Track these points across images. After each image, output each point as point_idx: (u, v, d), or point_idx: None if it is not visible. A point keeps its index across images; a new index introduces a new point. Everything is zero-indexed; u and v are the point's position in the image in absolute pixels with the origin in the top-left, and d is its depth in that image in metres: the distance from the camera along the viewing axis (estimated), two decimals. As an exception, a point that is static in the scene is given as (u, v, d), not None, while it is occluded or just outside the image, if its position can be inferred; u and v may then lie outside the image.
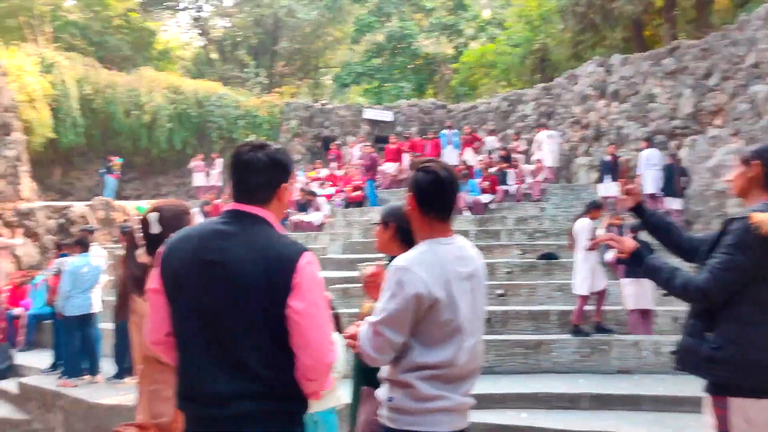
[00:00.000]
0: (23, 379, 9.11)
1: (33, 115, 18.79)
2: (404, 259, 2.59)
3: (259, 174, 2.33)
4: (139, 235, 2.96)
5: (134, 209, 18.49)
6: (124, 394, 7.99)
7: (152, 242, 2.94)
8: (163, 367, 2.75)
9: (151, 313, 2.36)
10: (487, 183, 15.42)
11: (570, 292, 10.30)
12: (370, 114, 23.84)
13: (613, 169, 14.54)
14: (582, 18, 20.62)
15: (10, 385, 9.46)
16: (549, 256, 11.55)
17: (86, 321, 8.80)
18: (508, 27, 31.93)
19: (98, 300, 8.94)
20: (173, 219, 2.99)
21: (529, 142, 18.73)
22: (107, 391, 8.20)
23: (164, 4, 34.28)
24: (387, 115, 24.02)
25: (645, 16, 21.12)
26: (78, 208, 16.88)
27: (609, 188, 14.32)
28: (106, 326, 9.40)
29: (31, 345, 11.55)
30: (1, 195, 15.47)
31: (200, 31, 35.88)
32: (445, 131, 18.67)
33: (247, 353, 2.16)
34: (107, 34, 28.33)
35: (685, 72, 15.22)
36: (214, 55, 35.48)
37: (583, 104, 17.46)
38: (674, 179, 13.48)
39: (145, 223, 2.96)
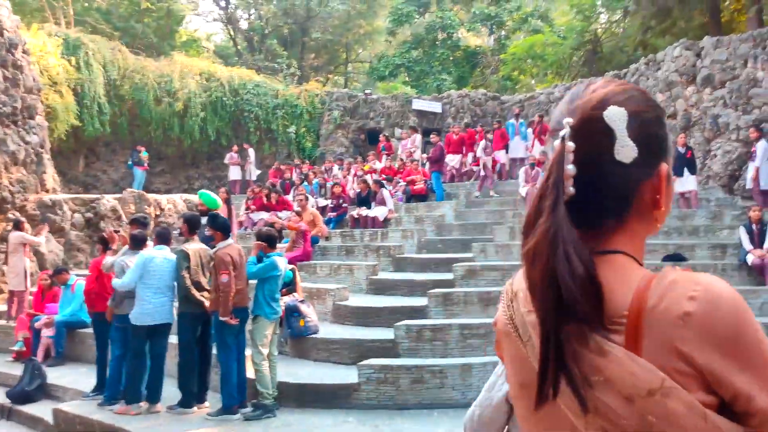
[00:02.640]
0: (62, 406, 7.29)
1: (56, 99, 17.05)
2: None
3: None
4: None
5: (165, 200, 16.76)
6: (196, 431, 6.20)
7: (610, 188, 1.10)
8: None
9: None
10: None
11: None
12: (418, 105, 22.04)
13: (689, 161, 12.72)
14: (655, 1, 18.76)
15: (42, 410, 7.65)
16: (675, 257, 9.72)
17: (157, 333, 7.01)
18: (554, 18, 30.32)
19: (172, 308, 7.16)
20: (653, 126, 1.10)
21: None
22: (173, 425, 6.39)
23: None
24: (436, 107, 22.23)
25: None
26: (108, 201, 15.14)
27: (687, 182, 12.55)
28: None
29: (61, 359, 9.76)
30: (22, 185, 13.75)
31: (226, 21, 34.08)
32: (512, 120, 16.83)
33: None
34: (132, 19, 26.61)
35: (798, 53, 13.37)
36: (242, 46, 33.74)
37: (668, 91, 15.58)
38: None
39: (598, 132, 1.06)
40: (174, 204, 17.20)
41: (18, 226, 11.26)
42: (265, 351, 6.82)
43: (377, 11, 36.10)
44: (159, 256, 7.11)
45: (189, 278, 6.97)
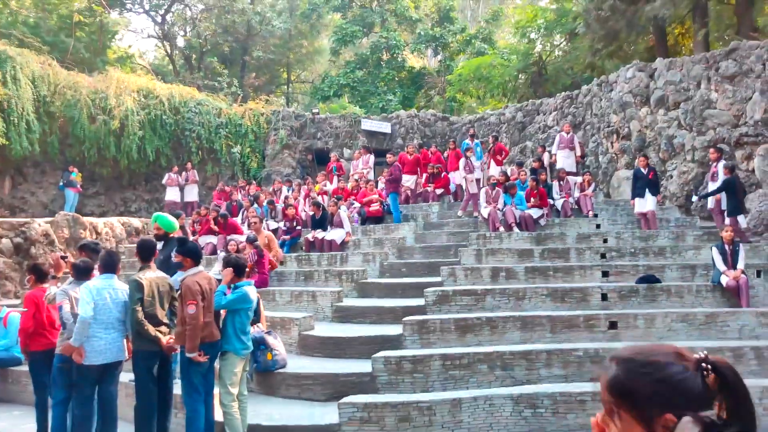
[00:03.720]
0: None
1: (-20, 116, 15.80)
2: None
3: None
4: None
5: (102, 224, 15.68)
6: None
7: None
8: None
9: None
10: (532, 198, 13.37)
11: (698, 325, 8.30)
12: (367, 125, 21.61)
13: (651, 182, 12.69)
14: (604, 24, 18.96)
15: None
16: (649, 279, 9.51)
17: (108, 373, 6.17)
18: (497, 41, 30.64)
19: (123, 344, 6.33)
20: None
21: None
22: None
23: (126, 6, 31.21)
24: (385, 127, 21.85)
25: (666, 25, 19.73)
26: (39, 225, 14.00)
27: (647, 203, 12.52)
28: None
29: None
30: (-57, 208, 12.56)
31: (162, 37, 32.85)
32: (467, 141, 16.54)
33: None
34: (62, 33, 25.19)
35: (750, 75, 13.58)
36: (179, 63, 32.60)
37: (622, 112, 15.65)
38: (738, 195, 11.70)
39: None
40: (111, 228, 16.19)
41: None
42: (235, 391, 6.13)
43: (320, 31, 35.71)
44: (105, 286, 6.28)
45: (142, 311, 6.18)
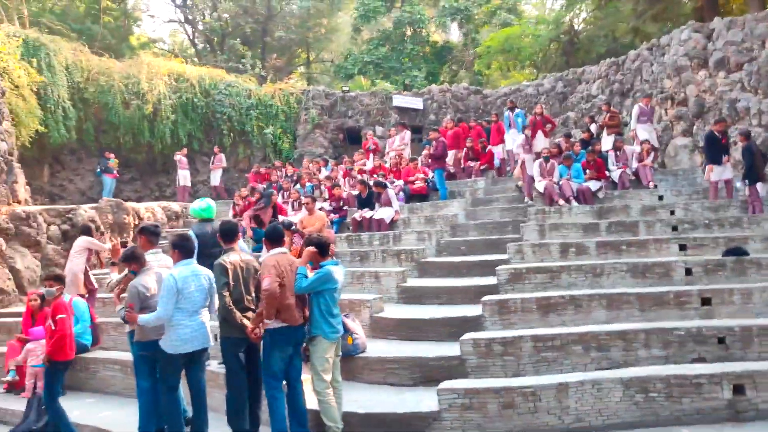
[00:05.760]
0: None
1: (19, 104, 15.53)
2: None
3: None
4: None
5: (143, 209, 15.46)
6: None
7: None
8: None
9: None
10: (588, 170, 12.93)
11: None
12: (399, 101, 21.18)
13: (725, 147, 12.12)
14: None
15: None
16: (737, 252, 9.03)
17: (195, 361, 5.92)
18: (522, 11, 29.99)
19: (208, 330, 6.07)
20: None
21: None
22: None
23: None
24: (417, 103, 21.42)
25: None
26: (85, 211, 13.82)
27: (726, 171, 11.98)
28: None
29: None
30: (-8, 197, 12.39)
31: (184, 21, 32.49)
32: (507, 112, 15.98)
33: None
34: (88, 20, 24.91)
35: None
36: (201, 47, 32.23)
37: (677, 76, 15.04)
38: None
39: None
40: (153, 212, 16.04)
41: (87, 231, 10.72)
42: (328, 377, 5.83)
43: (339, 8, 35.15)
44: (188, 273, 5.96)
45: (229, 297, 5.89)
